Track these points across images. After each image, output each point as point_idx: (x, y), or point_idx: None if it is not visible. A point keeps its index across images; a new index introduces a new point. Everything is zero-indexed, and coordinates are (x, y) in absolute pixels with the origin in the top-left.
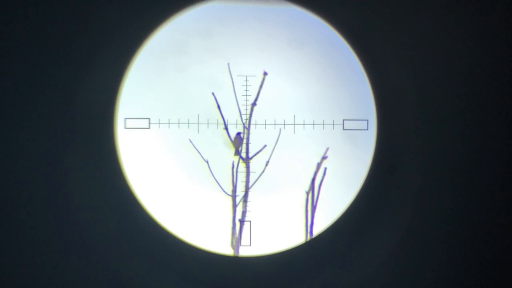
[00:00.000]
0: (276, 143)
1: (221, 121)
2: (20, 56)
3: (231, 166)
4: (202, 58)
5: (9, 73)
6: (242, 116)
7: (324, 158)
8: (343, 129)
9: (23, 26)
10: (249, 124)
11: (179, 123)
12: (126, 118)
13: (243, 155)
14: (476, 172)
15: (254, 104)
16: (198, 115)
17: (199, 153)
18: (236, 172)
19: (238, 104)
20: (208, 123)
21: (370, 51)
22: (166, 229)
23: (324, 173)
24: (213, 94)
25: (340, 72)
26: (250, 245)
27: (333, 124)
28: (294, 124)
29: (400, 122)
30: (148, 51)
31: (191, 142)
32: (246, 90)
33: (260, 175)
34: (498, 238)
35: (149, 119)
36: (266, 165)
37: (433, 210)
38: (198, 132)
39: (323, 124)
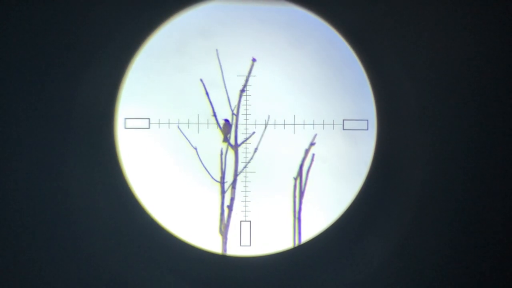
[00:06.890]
0: (264, 129)
1: (210, 108)
2: (20, 56)
3: (219, 153)
4: (202, 58)
5: (9, 73)
6: (231, 103)
7: (312, 144)
8: (343, 129)
9: (23, 26)
10: (238, 111)
11: (179, 123)
12: (126, 118)
13: (232, 142)
14: (476, 172)
15: (243, 90)
16: (198, 115)
17: (188, 141)
18: (225, 158)
19: (226, 90)
20: (208, 123)
21: (370, 51)
22: (166, 229)
23: (312, 159)
24: (201, 80)
25: (340, 72)
26: (250, 245)
27: (333, 124)
28: (294, 124)
29: (400, 122)
30: (148, 51)
31: (180, 129)
32: (246, 90)
33: (249, 161)
34: (497, 237)
35: (149, 119)
36: (255, 151)
37: (433, 211)
38: (198, 132)
39: (323, 124)
